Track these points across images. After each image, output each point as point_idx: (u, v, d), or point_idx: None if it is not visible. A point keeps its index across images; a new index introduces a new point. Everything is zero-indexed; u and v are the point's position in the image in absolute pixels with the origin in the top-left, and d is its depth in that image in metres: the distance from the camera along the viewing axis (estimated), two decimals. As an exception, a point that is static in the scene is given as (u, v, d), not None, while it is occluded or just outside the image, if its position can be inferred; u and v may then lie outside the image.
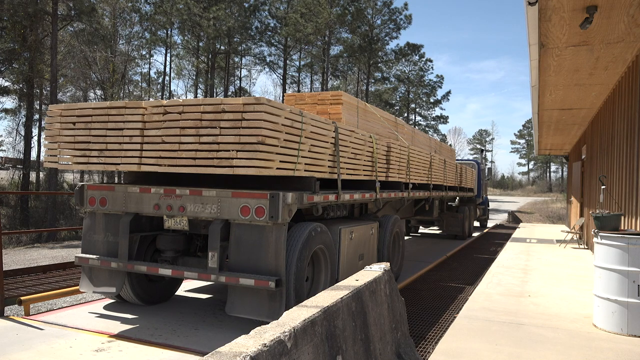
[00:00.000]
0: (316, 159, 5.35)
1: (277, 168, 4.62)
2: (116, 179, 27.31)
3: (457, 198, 13.59)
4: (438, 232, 16.76)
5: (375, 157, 6.92)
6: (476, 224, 20.12)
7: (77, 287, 5.95)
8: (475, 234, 17.02)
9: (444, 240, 14.75)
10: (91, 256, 5.43)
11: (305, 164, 5.15)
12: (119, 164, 5.03)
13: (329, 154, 5.64)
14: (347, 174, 6.11)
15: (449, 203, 14.24)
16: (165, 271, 5.05)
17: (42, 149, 26.70)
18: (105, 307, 5.72)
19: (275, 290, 4.55)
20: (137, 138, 4.92)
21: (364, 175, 6.67)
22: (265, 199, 4.62)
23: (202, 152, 4.58)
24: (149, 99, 34.42)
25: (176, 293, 6.43)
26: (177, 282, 6.27)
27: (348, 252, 6.06)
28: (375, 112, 8.21)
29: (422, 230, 17.29)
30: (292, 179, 5.26)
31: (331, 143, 5.65)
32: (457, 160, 17.87)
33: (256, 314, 4.69)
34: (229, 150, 4.44)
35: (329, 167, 5.64)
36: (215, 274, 4.74)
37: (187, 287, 6.99)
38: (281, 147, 4.65)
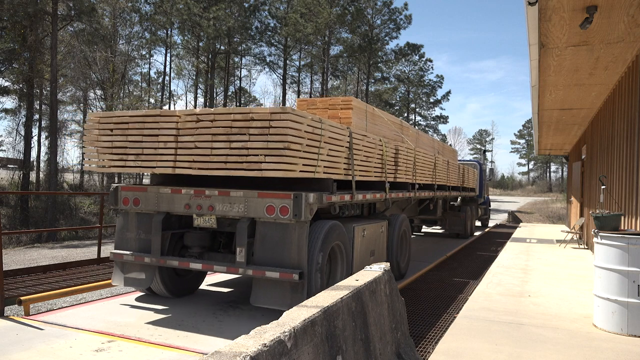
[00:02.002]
0: (333, 162, 5.73)
1: (300, 171, 5.01)
2: (116, 179, 27.30)
3: (459, 198, 13.79)
4: (440, 231, 16.91)
5: (384, 159, 7.31)
6: (477, 223, 20.44)
7: (76, 287, 5.97)
8: (476, 233, 17.24)
9: (446, 239, 14.93)
10: (125, 252, 5.82)
11: (324, 166, 5.52)
12: (154, 167, 5.43)
13: (344, 157, 6.02)
14: (360, 175, 6.48)
15: (451, 203, 14.47)
16: (196, 265, 5.46)
17: (42, 148, 26.70)
18: (106, 308, 5.72)
19: (298, 282, 4.94)
20: (172, 143, 5.32)
21: (375, 176, 7.03)
22: (289, 199, 5.02)
23: (233, 157, 4.99)
24: (149, 99, 34.44)
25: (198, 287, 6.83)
26: (201, 276, 6.74)
27: (361, 248, 6.45)
28: (383, 116, 8.55)
29: (425, 229, 17.50)
30: (311, 181, 5.60)
31: (346, 147, 6.04)
32: (459, 160, 18.12)
33: (279, 304, 5.01)
34: (257, 155, 4.86)
35: (344, 169, 6.02)
36: (243, 268, 5.13)
37: (209, 281, 7.35)
38: (304, 151, 5.03)
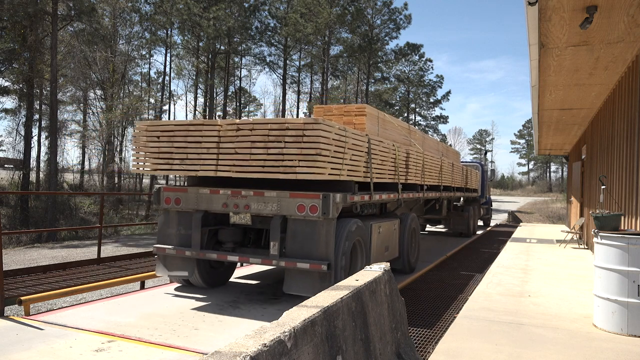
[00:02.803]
0: (355, 165, 6.31)
1: (329, 174, 5.60)
2: (112, 179, 27.28)
3: (462, 198, 14.26)
4: (444, 230, 17.36)
5: (397, 163, 7.91)
6: (480, 222, 20.94)
7: (76, 287, 5.97)
8: (478, 232, 17.68)
9: (449, 238, 15.33)
10: (167, 246, 6.40)
11: (348, 170, 6.09)
12: (198, 170, 6.00)
13: (364, 161, 6.59)
14: (376, 177, 7.05)
15: (455, 203, 14.91)
16: (234, 257, 6.09)
17: (42, 148, 26.67)
18: (105, 308, 5.72)
19: (326, 272, 5.53)
20: (214, 149, 5.89)
21: (389, 178, 7.61)
22: (318, 199, 5.61)
23: (270, 161, 5.57)
24: (149, 99, 34.43)
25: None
26: (231, 269, 7.33)
27: (377, 243, 7.08)
28: (393, 121, 9.05)
29: (428, 228, 17.98)
30: (335, 182, 6.13)
31: (365, 152, 6.60)
32: (462, 162, 18.61)
33: (309, 292, 5.46)
34: (292, 160, 5.44)
35: (363, 172, 6.59)
36: (277, 260, 5.72)
37: (237, 274, 8.05)
38: (331, 157, 5.62)
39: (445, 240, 14.69)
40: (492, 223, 23.42)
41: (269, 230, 6.44)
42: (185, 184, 6.96)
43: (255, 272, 8.37)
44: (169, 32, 33.91)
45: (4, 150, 27.10)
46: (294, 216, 5.76)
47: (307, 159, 5.37)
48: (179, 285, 6.98)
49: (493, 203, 30.60)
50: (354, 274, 5.64)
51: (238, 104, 45.12)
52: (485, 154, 36.66)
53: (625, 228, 7.07)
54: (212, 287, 6.85)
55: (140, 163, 6.47)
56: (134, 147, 6.48)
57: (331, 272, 5.56)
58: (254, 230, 6.75)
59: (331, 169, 5.62)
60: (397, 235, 8.08)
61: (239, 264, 8.38)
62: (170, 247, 6.39)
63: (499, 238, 15.92)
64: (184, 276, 6.47)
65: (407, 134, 9.71)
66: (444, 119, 52.50)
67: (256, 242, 6.78)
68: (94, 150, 33.50)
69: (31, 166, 23.26)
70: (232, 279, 7.58)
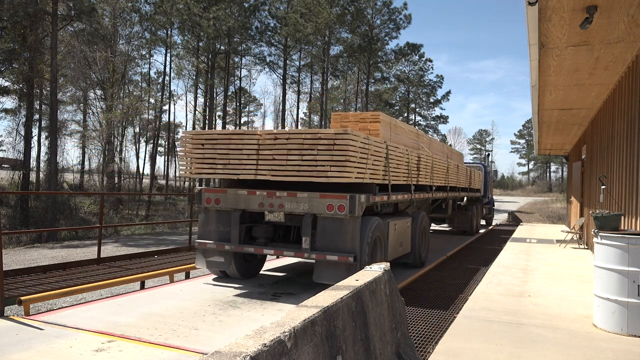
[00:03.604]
0: (375, 169, 6.96)
1: (355, 177, 6.26)
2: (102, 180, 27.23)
3: (465, 198, 14.83)
4: (447, 229, 17.92)
5: (410, 166, 8.58)
6: (482, 222, 21.51)
7: (76, 287, 5.97)
8: (481, 231, 18.30)
9: (454, 236, 15.88)
10: (208, 241, 7.11)
11: (370, 173, 6.76)
12: (239, 174, 6.70)
13: (382, 166, 7.24)
14: (393, 180, 7.71)
15: (459, 202, 15.44)
16: (269, 251, 6.83)
17: (42, 148, 26.62)
18: (105, 308, 5.72)
19: (352, 263, 6.20)
20: (253, 155, 6.60)
21: (403, 180, 8.28)
22: (346, 199, 6.31)
23: (304, 167, 6.27)
24: (149, 99, 34.43)
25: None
26: (262, 263, 8.03)
27: (393, 239, 7.76)
28: (403, 127, 9.66)
29: (433, 227, 18.37)
30: (358, 185, 6.74)
31: (383, 157, 7.27)
32: (465, 163, 19.27)
33: (337, 281, 5.76)
34: (324, 165, 6.15)
35: (382, 175, 7.24)
36: (308, 253, 6.46)
37: (266, 267, 8.70)
38: (357, 162, 6.30)
39: (449, 238, 15.15)
40: (493, 223, 23.85)
41: (298, 227, 7.23)
42: (216, 187, 7.82)
43: (277, 267, 8.91)
44: (169, 32, 33.92)
45: (4, 150, 27.10)
46: (323, 214, 6.46)
47: (337, 165, 6.09)
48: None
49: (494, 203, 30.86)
50: None
51: (238, 104, 45.13)
52: (488, 155, 37.29)
53: (625, 228, 7.07)
54: (245, 278, 7.54)
55: (186, 168, 7.17)
56: (180, 154, 7.23)
57: (356, 263, 6.23)
58: (283, 227, 7.45)
59: (357, 173, 6.32)
60: (409, 232, 8.81)
61: (268, 257, 9.07)
62: (210, 242, 7.10)
63: (500, 236, 16.45)
64: (222, 268, 7.13)
65: (415, 137, 10.37)
66: (444, 119, 52.50)
67: (285, 238, 7.47)
68: (94, 150, 33.52)
69: (31, 166, 23.25)
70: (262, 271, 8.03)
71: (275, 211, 6.83)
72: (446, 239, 14.77)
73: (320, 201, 6.46)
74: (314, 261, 6.66)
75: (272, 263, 9.25)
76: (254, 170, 6.60)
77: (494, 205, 23.46)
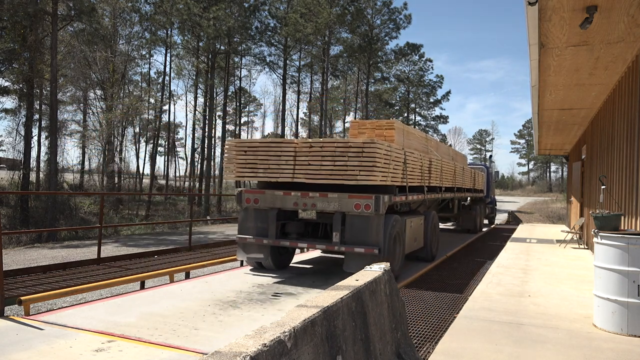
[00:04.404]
0: (395, 173, 7.79)
1: (380, 180, 7.10)
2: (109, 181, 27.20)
3: (469, 198, 15.56)
4: (452, 227, 18.71)
5: (423, 169, 9.43)
6: (485, 221, 22.45)
7: (76, 287, 5.98)
8: (484, 229, 19.26)
9: (459, 234, 16.68)
10: (248, 236, 8.02)
11: (391, 176, 7.58)
12: (278, 177, 7.58)
13: (401, 170, 8.06)
14: (409, 182, 8.55)
15: (463, 202, 16.12)
16: (303, 244, 7.80)
17: (42, 148, 26.60)
18: (105, 308, 5.72)
19: (377, 255, 7.07)
20: (291, 161, 7.50)
21: (417, 182, 9.10)
22: (371, 199, 7.17)
23: (336, 171, 7.16)
24: (149, 99, 34.42)
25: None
26: (292, 256, 8.91)
27: (409, 234, 8.66)
28: (414, 132, 10.61)
29: (439, 225, 18.57)
30: (381, 186, 7.50)
31: (402, 162, 8.09)
32: (469, 164, 20.16)
33: None
34: (354, 170, 7.04)
35: (400, 178, 8.06)
36: (338, 245, 7.35)
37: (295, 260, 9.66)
38: (382, 167, 7.12)
39: (455, 235, 16.03)
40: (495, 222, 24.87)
41: (326, 224, 8.13)
42: (249, 189, 8.60)
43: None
44: (169, 32, 33.91)
45: (4, 150, 27.08)
46: (351, 212, 7.31)
47: (365, 169, 6.96)
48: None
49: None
50: (395, 257, 7.90)
51: (238, 104, 45.11)
52: (490, 157, 38.23)
53: (625, 228, 7.07)
54: (278, 269, 8.35)
55: (230, 172, 8.05)
56: (225, 160, 8.15)
57: (380, 255, 7.12)
58: (312, 224, 8.41)
59: (381, 176, 7.14)
60: (422, 228, 9.69)
61: (297, 251, 10.16)
62: (250, 237, 7.98)
63: (502, 234, 17.33)
64: (260, 259, 8.07)
65: (425, 142, 11.27)
66: (444, 119, 52.49)
67: (313, 234, 8.37)
68: (94, 150, 33.54)
69: (31, 166, 23.24)
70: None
71: (308, 210, 7.77)
72: (452, 237, 15.55)
73: (349, 201, 7.31)
74: (333, 255, 8.18)
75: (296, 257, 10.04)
76: (291, 173, 7.47)
77: (496, 205, 24.45)
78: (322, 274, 8.26)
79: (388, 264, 4.18)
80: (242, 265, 9.20)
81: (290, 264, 8.99)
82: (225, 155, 8.10)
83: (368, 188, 7.41)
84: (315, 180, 7.29)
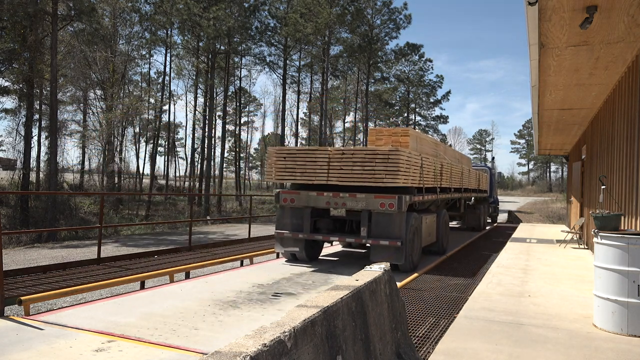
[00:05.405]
0: (414, 176, 8.88)
1: (402, 182, 8.22)
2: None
3: (473, 198, 16.45)
4: (457, 225, 19.83)
5: (435, 172, 10.49)
6: (488, 220, 23.44)
7: (76, 287, 5.98)
8: (487, 227, 20.39)
9: (465, 232, 17.61)
10: (285, 231, 9.19)
11: (411, 179, 8.70)
12: (314, 179, 8.74)
13: (418, 173, 9.13)
14: (425, 184, 9.61)
15: (468, 202, 17.09)
16: (334, 238, 8.96)
17: (42, 148, 26.58)
18: (105, 308, 5.72)
19: (400, 246, 8.31)
20: (325, 166, 8.69)
21: (431, 184, 10.14)
22: (394, 199, 8.31)
23: (365, 174, 8.33)
24: (149, 99, 34.41)
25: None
26: (321, 249, 10.11)
27: (425, 230, 9.86)
28: (425, 138, 11.68)
29: None
30: (402, 188, 8.63)
31: (419, 166, 9.17)
32: (473, 166, 21.27)
33: (388, 260, 8.25)
34: (380, 174, 8.19)
35: (418, 180, 9.14)
36: (366, 239, 8.55)
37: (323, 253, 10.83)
38: (404, 171, 8.27)
39: (461, 233, 17.11)
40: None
41: (353, 220, 9.37)
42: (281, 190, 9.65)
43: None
44: (169, 32, 33.91)
45: (4, 150, 27.07)
46: (376, 210, 8.44)
47: (391, 173, 8.11)
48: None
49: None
50: (414, 248, 8.93)
51: (238, 104, 45.10)
52: (493, 159, 38.63)
53: (625, 228, 7.07)
54: (310, 261, 9.49)
55: (270, 175, 9.16)
56: (267, 164, 9.27)
57: (403, 247, 8.31)
58: (340, 221, 9.66)
59: (403, 179, 8.23)
60: (435, 225, 10.83)
61: (326, 245, 11.45)
62: (287, 232, 9.14)
63: (505, 232, 18.45)
64: (295, 251, 9.21)
65: (435, 147, 12.31)
66: (443, 119, 52.48)
67: (341, 229, 9.62)
68: (94, 150, 33.54)
69: (31, 166, 23.23)
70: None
71: (339, 208, 8.90)
72: (459, 234, 16.63)
73: (375, 200, 8.42)
74: (355, 250, 10.22)
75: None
76: (325, 177, 8.63)
77: (498, 205, 25.71)
78: (327, 272, 8.41)
79: (388, 264, 4.19)
80: (241, 265, 9.38)
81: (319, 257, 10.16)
82: (266, 160, 9.29)
83: (390, 189, 8.50)
84: (346, 182, 8.42)
